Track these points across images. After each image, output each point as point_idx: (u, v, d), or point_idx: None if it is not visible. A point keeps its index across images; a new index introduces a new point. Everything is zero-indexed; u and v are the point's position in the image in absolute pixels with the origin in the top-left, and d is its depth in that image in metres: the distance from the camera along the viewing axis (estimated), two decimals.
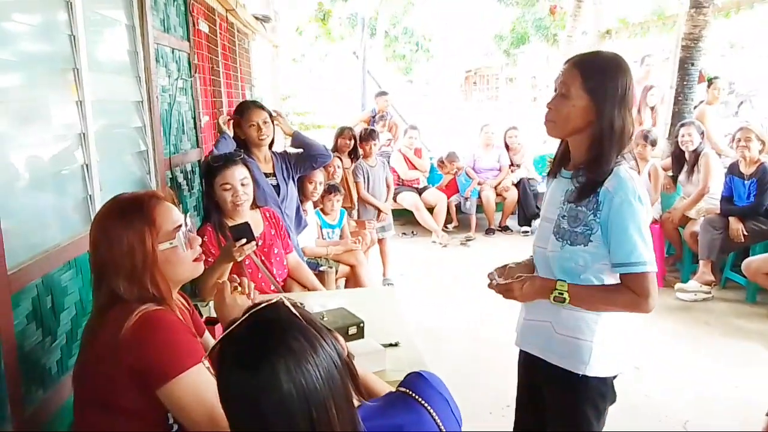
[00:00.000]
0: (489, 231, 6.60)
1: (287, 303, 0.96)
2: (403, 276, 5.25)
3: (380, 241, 5.08)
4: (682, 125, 4.93)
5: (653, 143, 4.97)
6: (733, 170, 4.59)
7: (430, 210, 6.39)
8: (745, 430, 2.73)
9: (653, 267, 1.53)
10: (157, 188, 2.56)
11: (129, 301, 1.31)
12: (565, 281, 1.59)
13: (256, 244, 2.55)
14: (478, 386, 3.21)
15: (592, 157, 1.55)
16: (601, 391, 1.65)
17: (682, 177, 5.01)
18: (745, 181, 4.47)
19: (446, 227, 6.61)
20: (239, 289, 1.65)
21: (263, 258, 2.74)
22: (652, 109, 6.57)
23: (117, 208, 1.38)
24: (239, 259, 2.43)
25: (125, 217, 1.34)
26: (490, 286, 1.74)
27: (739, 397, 3.09)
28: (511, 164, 6.75)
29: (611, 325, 1.63)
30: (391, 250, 5.24)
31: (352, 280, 4.03)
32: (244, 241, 2.38)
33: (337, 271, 3.87)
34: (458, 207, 6.74)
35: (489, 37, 23.06)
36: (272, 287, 2.75)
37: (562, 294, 1.58)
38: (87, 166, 1.93)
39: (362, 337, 2.05)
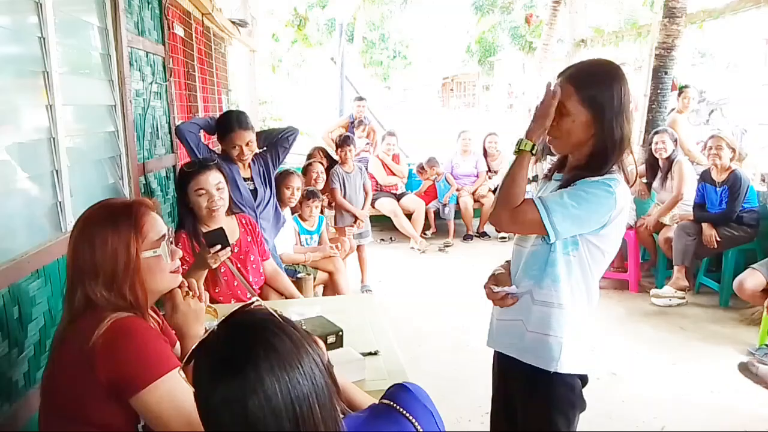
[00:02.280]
0: (467, 237, 6.62)
1: (263, 305, 0.95)
2: (381, 282, 5.22)
3: (358, 247, 5.06)
4: (656, 133, 5.00)
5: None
6: (705, 178, 4.67)
7: (409, 216, 6.39)
8: (729, 430, 2.76)
9: (546, 225, 1.51)
10: (130, 194, 2.51)
11: (101, 309, 1.28)
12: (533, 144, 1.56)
13: (232, 251, 2.51)
14: (458, 393, 3.19)
15: (592, 163, 1.55)
16: (570, 400, 1.64)
17: (656, 184, 5.09)
18: (717, 189, 4.55)
19: (424, 233, 6.61)
20: (190, 293, 1.57)
21: (239, 265, 2.69)
22: None
23: (105, 212, 1.35)
24: (214, 266, 2.38)
25: (112, 222, 1.32)
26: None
27: (716, 403, 3.12)
28: (489, 170, 6.78)
29: (580, 321, 1.63)
30: (369, 257, 5.21)
31: (330, 287, 3.99)
32: (218, 247, 2.33)
33: (315, 278, 3.83)
34: (436, 213, 6.75)
35: (465, 45, 23.26)
36: (248, 295, 2.70)
37: (524, 142, 1.56)
38: (57, 171, 1.87)
39: (341, 345, 2.02)
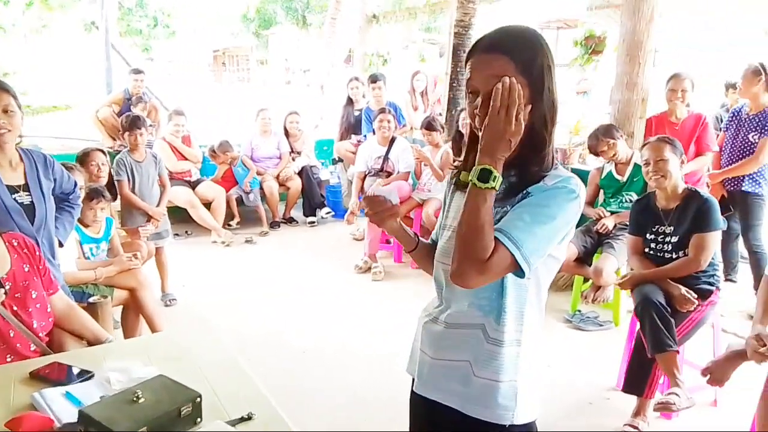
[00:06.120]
0: (274, 224, 6.12)
1: None
2: (185, 288, 4.50)
3: (157, 250, 4.23)
4: (463, 110, 5.07)
5: (442, 128, 5.11)
6: None
7: (207, 206, 5.66)
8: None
9: (520, 263, 1.17)
10: None
11: None
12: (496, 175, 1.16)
13: (5, 292, 1.75)
14: (306, 407, 2.79)
15: (531, 149, 1.23)
16: None
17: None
18: None
19: (228, 224, 5.94)
20: None
21: (16, 308, 1.90)
22: (422, 94, 6.82)
23: None
24: None
25: None
26: None
27: (555, 378, 3.14)
28: (292, 151, 6.34)
29: (535, 356, 1.34)
30: (169, 260, 4.43)
31: (133, 308, 3.23)
32: None
33: (111, 299, 3.03)
34: (239, 200, 6.11)
35: (236, 16, 22.28)
36: (32, 347, 1.93)
37: (493, 175, 1.14)
38: None
39: (200, 417, 1.47)
